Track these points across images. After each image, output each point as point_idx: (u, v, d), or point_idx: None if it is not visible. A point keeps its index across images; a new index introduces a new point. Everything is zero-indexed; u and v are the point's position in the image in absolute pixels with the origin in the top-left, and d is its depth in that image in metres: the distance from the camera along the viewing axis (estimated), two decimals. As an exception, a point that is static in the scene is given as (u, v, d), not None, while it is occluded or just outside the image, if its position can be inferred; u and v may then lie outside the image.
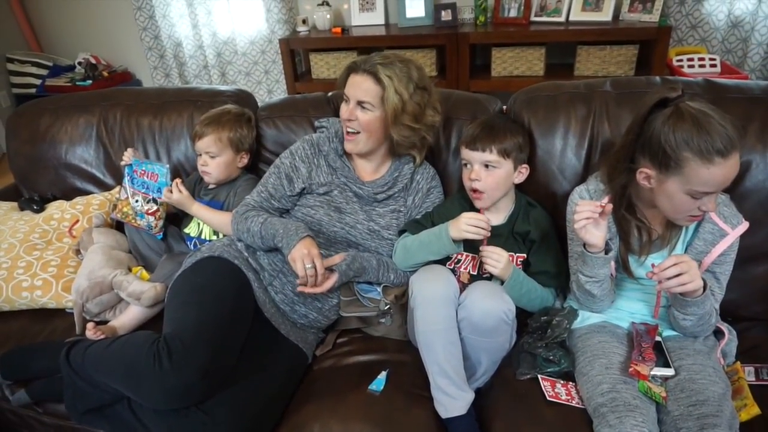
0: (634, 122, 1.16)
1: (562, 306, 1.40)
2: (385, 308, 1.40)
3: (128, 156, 1.68)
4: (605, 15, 2.94)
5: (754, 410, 1.13)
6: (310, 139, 1.54)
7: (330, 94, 1.79)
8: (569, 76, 3.01)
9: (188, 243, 1.69)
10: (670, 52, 2.80)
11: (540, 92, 1.57)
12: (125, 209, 1.68)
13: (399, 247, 1.45)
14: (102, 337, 1.41)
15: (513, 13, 3.08)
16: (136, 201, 1.67)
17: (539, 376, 1.24)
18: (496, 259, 1.31)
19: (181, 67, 3.68)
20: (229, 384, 1.21)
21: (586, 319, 1.34)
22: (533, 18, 3.05)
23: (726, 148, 1.04)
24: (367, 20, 3.33)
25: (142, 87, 3.71)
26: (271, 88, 3.63)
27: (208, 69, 3.67)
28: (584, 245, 1.21)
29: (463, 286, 1.33)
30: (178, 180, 1.62)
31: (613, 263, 1.25)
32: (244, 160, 1.68)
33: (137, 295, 1.49)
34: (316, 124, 1.59)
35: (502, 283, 1.33)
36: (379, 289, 1.44)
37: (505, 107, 1.67)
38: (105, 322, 1.52)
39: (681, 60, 2.70)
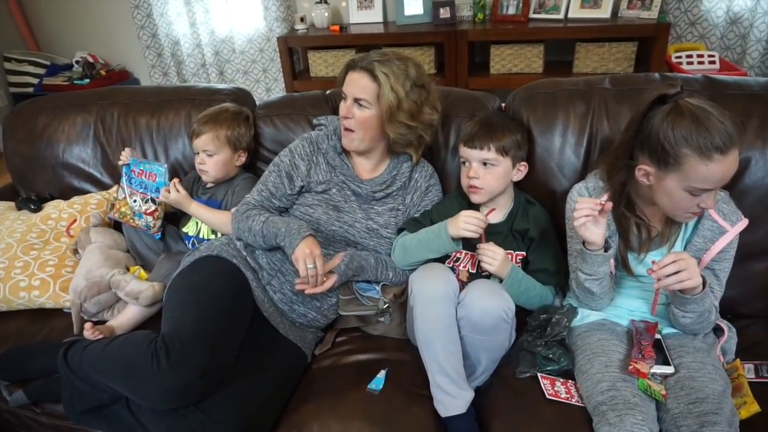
0: (633, 119, 1.16)
1: (561, 304, 1.40)
2: (384, 307, 1.40)
3: (126, 156, 1.68)
4: (604, 12, 2.94)
5: (754, 408, 1.12)
6: (308, 137, 1.53)
7: (328, 92, 1.78)
8: (568, 73, 3.01)
9: (186, 242, 1.68)
10: (669, 49, 2.79)
11: (539, 89, 1.57)
12: (123, 209, 1.68)
13: (398, 246, 1.45)
14: (100, 336, 1.41)
15: (511, 11, 3.07)
16: (134, 201, 1.66)
17: (539, 374, 1.24)
18: (492, 256, 1.31)
19: (179, 65, 3.68)
20: (227, 383, 1.21)
21: (585, 317, 1.34)
22: (532, 15, 3.05)
23: (725, 144, 1.03)
24: (365, 18, 3.32)
25: (140, 86, 3.70)
26: (269, 86, 3.63)
27: (206, 67, 3.66)
28: (583, 243, 1.20)
29: (462, 285, 1.33)
30: (175, 180, 1.62)
31: (612, 261, 1.24)
32: (242, 158, 1.68)
33: (135, 295, 1.49)
34: (315, 122, 1.59)
35: (502, 281, 1.33)
36: (378, 288, 1.43)
37: (503, 105, 1.66)
38: (103, 322, 1.52)
39: (680, 57, 2.70)
